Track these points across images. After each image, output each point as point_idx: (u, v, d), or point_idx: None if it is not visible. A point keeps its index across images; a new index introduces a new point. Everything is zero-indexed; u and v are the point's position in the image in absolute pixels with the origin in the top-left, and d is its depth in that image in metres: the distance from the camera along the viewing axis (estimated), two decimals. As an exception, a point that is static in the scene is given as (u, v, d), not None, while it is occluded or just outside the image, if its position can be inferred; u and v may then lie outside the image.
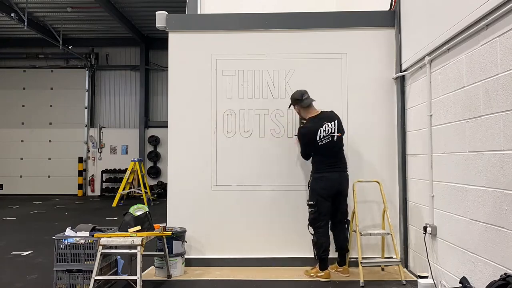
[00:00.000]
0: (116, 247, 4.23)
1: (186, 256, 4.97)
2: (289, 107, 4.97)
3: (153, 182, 16.27)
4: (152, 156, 16.47)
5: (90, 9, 13.52)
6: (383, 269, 4.93)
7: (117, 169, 16.44)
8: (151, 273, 4.89)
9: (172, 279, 4.68)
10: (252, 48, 5.29)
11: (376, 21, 5.26)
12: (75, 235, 4.26)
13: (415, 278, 4.48)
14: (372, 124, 5.20)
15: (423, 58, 4.32)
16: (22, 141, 16.76)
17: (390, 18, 5.20)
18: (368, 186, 4.98)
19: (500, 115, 3.01)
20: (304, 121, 4.88)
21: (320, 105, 5.21)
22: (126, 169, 16.25)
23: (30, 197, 15.32)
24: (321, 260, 4.64)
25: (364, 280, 4.37)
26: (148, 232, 4.33)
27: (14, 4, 12.63)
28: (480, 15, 3.19)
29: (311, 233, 4.69)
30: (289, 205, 5.16)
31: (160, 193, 14.85)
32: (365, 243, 5.03)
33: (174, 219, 5.13)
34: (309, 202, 4.69)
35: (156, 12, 5.36)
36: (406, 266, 4.95)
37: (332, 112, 4.81)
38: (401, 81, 5.06)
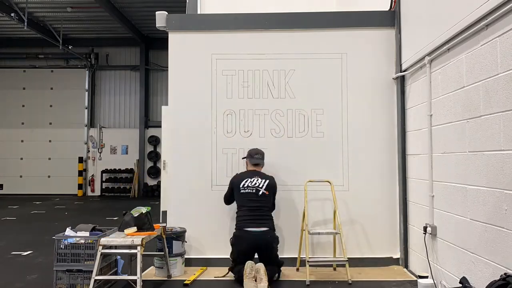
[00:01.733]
0: (116, 247, 4.23)
1: (186, 256, 4.97)
2: (242, 158, 5.05)
3: (153, 182, 16.28)
4: (152, 156, 16.47)
5: (90, 9, 13.52)
6: (335, 269, 4.92)
7: (117, 169, 16.45)
8: (151, 273, 4.89)
9: (172, 279, 4.68)
10: (252, 48, 5.29)
11: (376, 21, 5.26)
12: (75, 235, 4.25)
13: (415, 278, 4.49)
14: (372, 124, 5.20)
15: (423, 58, 4.32)
16: (22, 141, 16.77)
17: (390, 18, 5.20)
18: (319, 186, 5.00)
19: (500, 115, 3.01)
20: None
21: (320, 105, 5.23)
22: (126, 169, 16.32)
23: (30, 197, 15.33)
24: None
25: (310, 280, 4.39)
26: (145, 232, 4.31)
27: (14, 4, 12.64)
28: (480, 15, 3.19)
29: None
30: (290, 204, 5.16)
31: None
32: (322, 242, 5.08)
33: (174, 219, 5.13)
34: (230, 257, 4.63)
35: (156, 12, 5.36)
36: (406, 266, 4.95)
37: (270, 176, 4.84)
38: (401, 81, 5.06)
